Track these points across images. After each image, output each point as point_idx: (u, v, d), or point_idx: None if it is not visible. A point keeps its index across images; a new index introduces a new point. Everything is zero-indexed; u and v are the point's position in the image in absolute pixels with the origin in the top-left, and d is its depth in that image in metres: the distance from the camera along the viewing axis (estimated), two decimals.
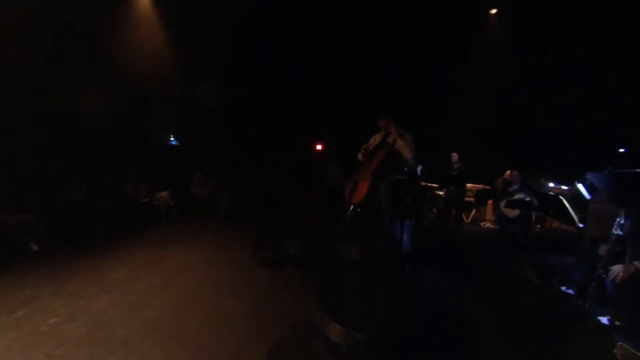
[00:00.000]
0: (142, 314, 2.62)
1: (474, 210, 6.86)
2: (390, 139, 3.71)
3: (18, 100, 4.80)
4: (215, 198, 6.25)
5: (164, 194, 6.07)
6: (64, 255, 3.85)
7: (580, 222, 3.57)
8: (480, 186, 6.81)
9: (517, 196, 5.02)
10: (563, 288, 3.25)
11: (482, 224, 6.75)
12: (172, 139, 8.07)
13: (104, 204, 5.14)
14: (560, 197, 3.68)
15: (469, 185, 6.72)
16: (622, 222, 2.57)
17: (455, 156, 6.40)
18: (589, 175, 3.75)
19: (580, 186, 4.09)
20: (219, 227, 5.62)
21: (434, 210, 6.89)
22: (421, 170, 5.72)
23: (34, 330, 2.35)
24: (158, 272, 3.49)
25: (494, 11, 7.38)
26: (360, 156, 3.99)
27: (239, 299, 2.95)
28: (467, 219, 6.77)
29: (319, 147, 8.80)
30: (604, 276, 2.57)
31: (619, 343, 2.00)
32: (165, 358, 2.12)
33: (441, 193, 6.63)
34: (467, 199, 6.76)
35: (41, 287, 3.01)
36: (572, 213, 3.51)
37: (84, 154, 5.64)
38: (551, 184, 5.67)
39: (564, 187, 5.49)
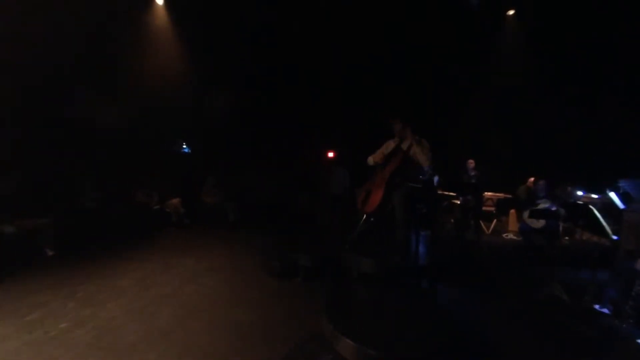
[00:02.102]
0: (151, 322, 2.63)
1: (495, 221, 6.56)
2: (405, 145, 3.59)
3: (34, 106, 4.95)
4: (225, 206, 6.27)
5: (175, 201, 6.13)
6: (76, 261, 3.95)
7: (614, 233, 3.31)
8: (501, 195, 6.52)
9: (542, 205, 4.77)
10: (596, 306, 3.06)
11: (504, 235, 6.45)
12: (184, 146, 8.20)
13: (116, 211, 5.25)
14: (590, 206, 3.45)
15: (488, 194, 6.46)
16: None
17: (471, 163, 6.15)
18: (622, 183, 3.54)
19: (612, 194, 3.80)
20: (229, 235, 5.64)
21: (452, 221, 6.64)
22: (438, 181, 5.55)
23: (45, 335, 2.39)
24: (168, 280, 3.51)
25: (511, 12, 7.17)
26: (371, 159, 3.89)
27: (247, 309, 2.92)
28: (488, 230, 6.48)
29: (330, 154, 8.61)
30: None
31: None
32: None
33: (458, 202, 6.39)
34: (487, 208, 6.48)
35: (54, 291, 3.08)
36: (604, 224, 3.28)
37: (97, 160, 5.76)
38: (580, 192, 5.32)
39: (594, 196, 5.14)
